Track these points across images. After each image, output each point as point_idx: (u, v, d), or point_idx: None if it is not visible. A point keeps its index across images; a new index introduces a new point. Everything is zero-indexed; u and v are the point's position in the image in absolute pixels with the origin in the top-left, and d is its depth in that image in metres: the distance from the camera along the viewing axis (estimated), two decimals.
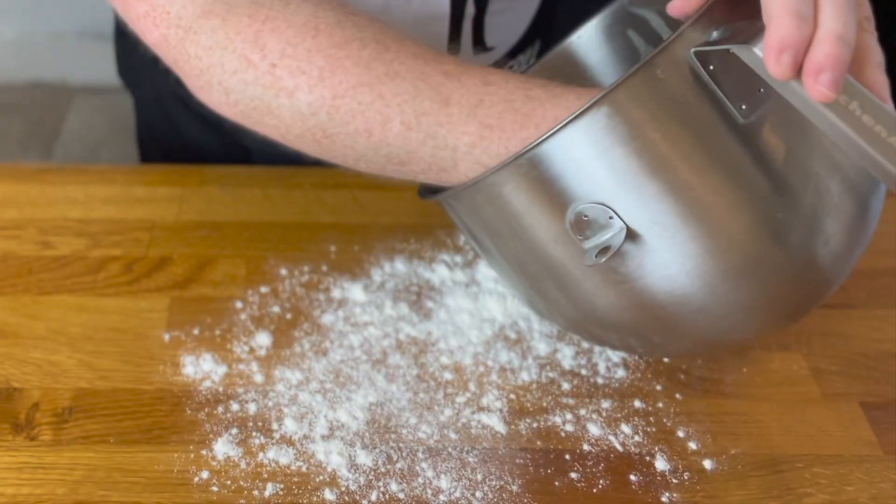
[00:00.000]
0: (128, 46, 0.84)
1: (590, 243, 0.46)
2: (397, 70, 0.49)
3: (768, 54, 0.41)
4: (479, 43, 0.71)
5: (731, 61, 0.43)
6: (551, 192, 0.46)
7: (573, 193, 0.46)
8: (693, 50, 0.44)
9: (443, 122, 0.48)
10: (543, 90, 0.48)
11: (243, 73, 0.50)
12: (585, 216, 0.46)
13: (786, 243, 0.46)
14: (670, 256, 0.46)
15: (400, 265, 0.68)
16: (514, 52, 0.74)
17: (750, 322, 0.50)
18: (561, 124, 0.44)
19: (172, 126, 0.83)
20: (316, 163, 0.76)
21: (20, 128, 1.94)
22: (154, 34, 0.53)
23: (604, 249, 0.45)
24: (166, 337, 0.62)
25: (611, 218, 0.45)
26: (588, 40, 0.64)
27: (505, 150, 0.47)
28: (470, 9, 0.68)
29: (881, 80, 0.44)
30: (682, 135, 0.45)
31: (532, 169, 0.46)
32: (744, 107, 0.44)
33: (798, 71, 0.41)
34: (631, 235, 0.45)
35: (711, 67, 0.44)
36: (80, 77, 1.99)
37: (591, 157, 0.45)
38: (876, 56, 0.44)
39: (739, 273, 0.47)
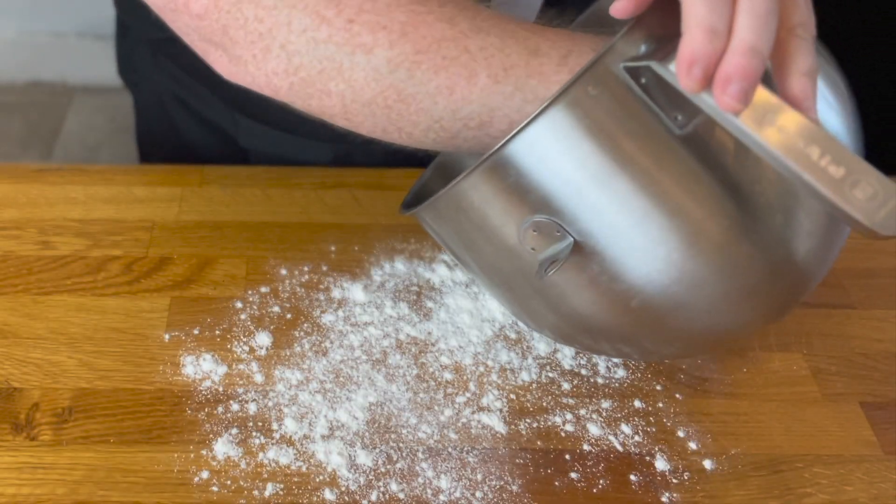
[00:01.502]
0: (128, 46, 0.84)
1: (541, 256, 0.46)
2: (481, 25, 0.47)
3: (680, 68, 0.41)
4: None
5: (658, 76, 0.43)
6: (512, 199, 0.46)
7: (532, 201, 0.46)
8: (622, 65, 0.44)
9: (533, 74, 0.46)
10: None
11: (315, 31, 0.47)
12: (535, 231, 0.46)
13: (756, 238, 0.46)
14: (637, 257, 0.46)
15: (400, 265, 0.68)
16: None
17: (731, 318, 0.50)
18: (507, 138, 0.44)
19: (172, 126, 0.83)
20: (315, 162, 0.76)
21: (20, 128, 1.94)
22: (200, 2, 0.50)
23: (552, 263, 0.45)
24: (166, 337, 0.62)
25: (558, 232, 0.45)
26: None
27: None
28: None
29: (804, 87, 0.43)
30: (626, 142, 0.44)
31: (491, 177, 0.46)
32: (679, 118, 0.44)
33: (709, 83, 0.41)
34: (581, 246, 0.46)
35: (643, 80, 0.43)
36: (80, 77, 1.99)
37: (542, 166, 0.45)
38: (803, 63, 0.43)
39: (711, 267, 0.46)
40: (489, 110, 0.47)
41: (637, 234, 0.45)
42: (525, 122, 0.44)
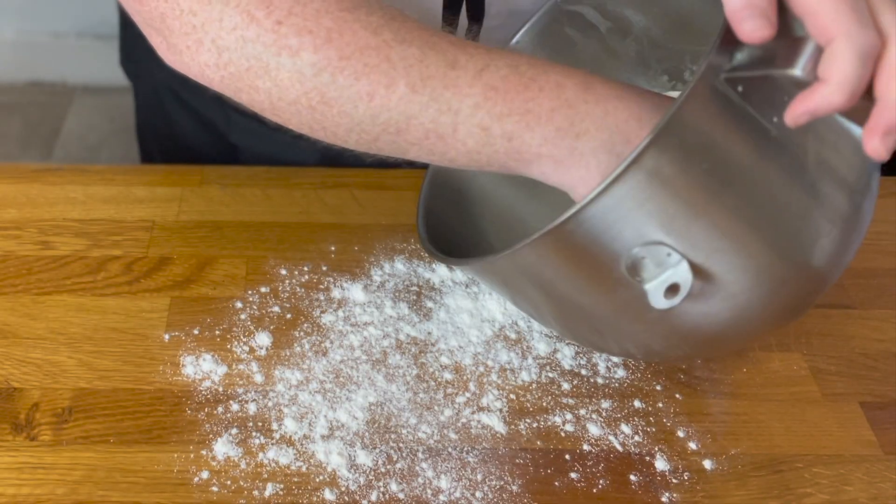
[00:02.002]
0: (130, 39, 0.84)
1: (654, 283, 0.45)
2: (405, 37, 0.48)
3: (871, 134, 0.42)
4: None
5: (761, 80, 0.44)
6: (594, 251, 0.46)
7: (628, 238, 0.45)
8: (724, 76, 0.44)
9: (448, 85, 0.48)
10: (542, 60, 0.49)
11: (244, 30, 0.49)
12: (644, 257, 0.45)
13: (778, 245, 0.47)
14: (733, 265, 0.46)
15: (400, 265, 0.68)
16: None
17: (747, 324, 0.50)
18: (599, 188, 0.43)
19: (168, 120, 0.84)
20: (304, 161, 0.76)
21: (20, 128, 1.94)
22: None
23: (671, 289, 0.45)
24: (166, 337, 0.62)
25: (668, 255, 0.45)
26: (526, 45, 0.64)
27: (508, 110, 0.47)
28: (463, 21, 0.67)
29: None
30: (729, 158, 0.45)
31: (573, 233, 0.45)
32: (775, 119, 0.44)
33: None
34: (698, 270, 0.45)
35: (740, 89, 0.44)
36: (80, 77, 1.99)
37: (643, 197, 0.44)
38: None
39: (747, 274, 0.47)
40: (406, 118, 0.49)
41: (739, 244, 0.45)
42: (622, 167, 0.43)
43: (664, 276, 0.45)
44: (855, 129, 0.46)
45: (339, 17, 0.48)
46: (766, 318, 0.49)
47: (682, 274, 0.44)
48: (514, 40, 0.64)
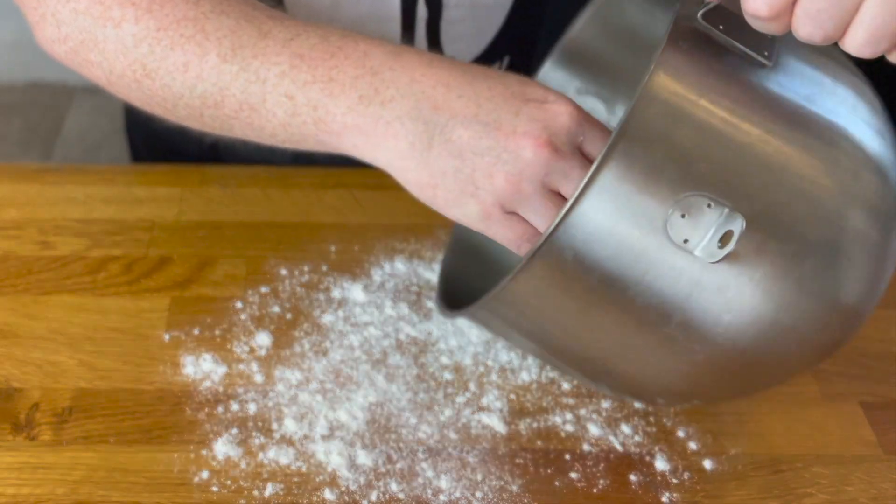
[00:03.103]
0: None
1: (701, 244, 0.42)
2: (224, 9, 0.49)
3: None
4: (435, 48, 0.70)
5: (737, 14, 0.43)
6: (636, 211, 0.42)
7: (659, 199, 0.42)
8: (700, 14, 0.44)
9: (257, 54, 0.48)
10: (361, 33, 0.49)
11: (76, 2, 0.51)
12: (683, 215, 0.41)
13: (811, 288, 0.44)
14: (773, 226, 0.43)
15: (400, 265, 0.68)
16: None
17: (782, 368, 0.48)
18: (588, 176, 0.41)
19: (150, 118, 0.83)
20: (313, 162, 0.76)
21: (20, 128, 1.93)
22: None
23: (724, 237, 0.41)
24: (166, 337, 0.62)
25: (709, 205, 0.41)
26: (584, 32, 0.63)
27: (311, 77, 0.47)
28: (422, 11, 0.67)
29: None
30: (730, 92, 0.43)
31: (613, 186, 0.42)
32: (766, 52, 0.44)
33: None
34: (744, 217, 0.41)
35: (721, 27, 0.44)
36: (80, 77, 1.98)
37: (656, 150, 0.42)
38: None
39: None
40: (220, 90, 0.49)
41: (775, 187, 0.43)
42: (606, 147, 0.41)
43: (710, 229, 0.41)
44: (884, 160, 0.45)
45: None
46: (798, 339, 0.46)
47: (733, 222, 0.41)
48: (572, 33, 0.63)
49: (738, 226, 0.41)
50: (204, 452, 0.56)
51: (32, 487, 0.54)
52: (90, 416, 0.57)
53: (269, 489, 0.54)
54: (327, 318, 0.64)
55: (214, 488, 0.54)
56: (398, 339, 0.63)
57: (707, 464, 0.56)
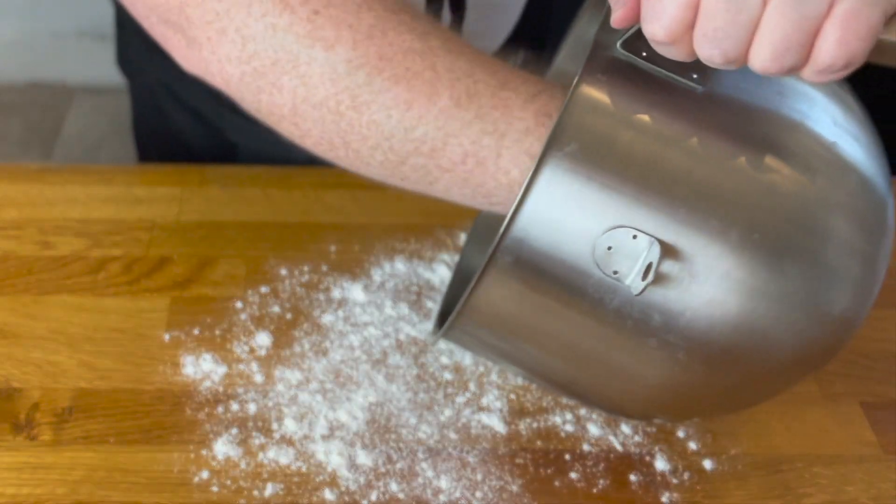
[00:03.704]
0: (125, 38, 0.84)
1: (628, 277, 0.41)
2: (452, 47, 0.44)
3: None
4: None
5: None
6: (561, 247, 0.42)
7: (585, 234, 0.41)
8: (619, 43, 0.42)
9: (498, 105, 0.44)
10: None
11: (275, 17, 0.44)
12: (609, 248, 0.41)
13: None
14: (709, 258, 0.41)
15: (400, 265, 0.68)
16: None
17: (772, 376, 0.46)
18: (521, 191, 0.40)
19: (164, 118, 0.83)
20: (310, 160, 0.76)
21: (20, 128, 1.93)
22: None
23: (647, 271, 0.41)
24: (166, 337, 0.62)
25: (635, 237, 0.41)
26: (590, 24, 0.62)
27: None
28: (446, 16, 0.66)
29: None
30: (656, 123, 0.41)
31: (520, 249, 0.42)
32: (695, 76, 0.42)
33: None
34: (666, 248, 0.41)
35: (644, 54, 0.42)
36: (80, 77, 1.99)
37: (580, 188, 0.41)
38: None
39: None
40: (444, 135, 0.44)
41: (705, 216, 0.41)
42: (539, 156, 0.40)
43: (637, 262, 0.41)
44: (862, 166, 0.44)
45: (383, 15, 0.44)
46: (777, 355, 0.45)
47: (653, 253, 0.41)
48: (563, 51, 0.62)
49: (656, 256, 0.41)
50: (204, 452, 0.56)
51: (32, 487, 0.54)
52: (90, 416, 0.57)
53: (269, 489, 0.54)
54: (327, 318, 0.64)
55: (214, 488, 0.54)
56: (398, 339, 0.63)
57: (707, 464, 0.56)
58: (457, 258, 0.68)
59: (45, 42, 1.97)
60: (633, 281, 0.41)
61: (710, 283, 0.41)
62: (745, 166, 0.42)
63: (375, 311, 0.65)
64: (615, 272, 0.41)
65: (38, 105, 1.98)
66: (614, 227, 0.41)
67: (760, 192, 0.42)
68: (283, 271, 0.67)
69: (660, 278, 0.41)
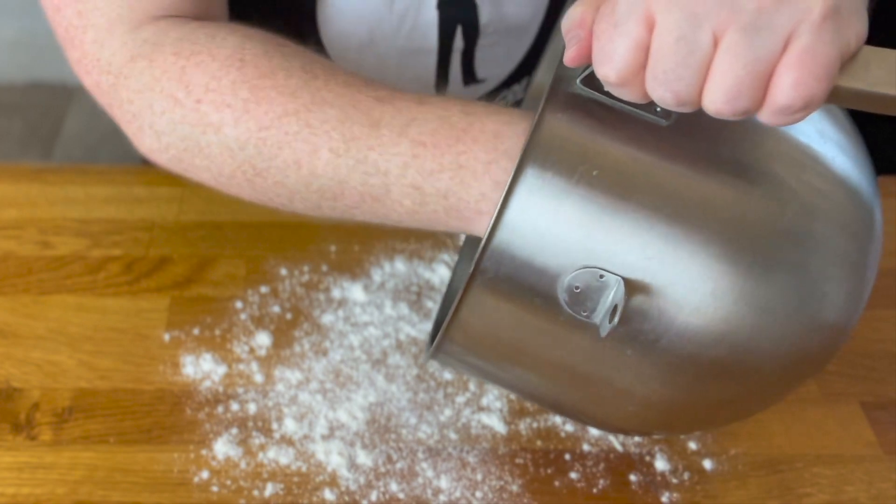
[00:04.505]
0: None
1: (597, 314, 0.41)
2: (325, 97, 0.47)
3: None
4: (468, 75, 0.69)
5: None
6: (530, 283, 0.42)
7: (553, 269, 0.41)
8: (579, 80, 0.42)
9: (373, 146, 0.45)
10: (483, 107, 0.45)
11: (171, 113, 0.49)
12: (576, 288, 0.41)
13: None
14: (689, 286, 0.41)
15: (400, 265, 0.68)
16: (508, 83, 0.72)
17: (763, 385, 0.45)
18: (494, 214, 0.41)
19: None
20: None
21: (20, 128, 1.94)
22: (87, 80, 0.53)
23: (613, 312, 0.40)
24: (166, 337, 0.62)
25: (601, 277, 0.41)
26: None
27: (439, 166, 0.44)
28: (458, 43, 0.67)
29: None
30: (619, 160, 0.41)
31: (496, 271, 0.42)
32: (658, 109, 0.42)
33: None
34: (633, 284, 0.41)
35: (606, 90, 0.41)
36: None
37: (547, 223, 0.41)
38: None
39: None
40: (338, 183, 0.47)
41: (677, 247, 0.41)
42: (504, 191, 0.40)
43: (606, 302, 0.41)
44: (847, 174, 0.44)
45: (255, 84, 0.47)
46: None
47: (618, 294, 0.40)
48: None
49: (620, 297, 0.40)
50: (204, 452, 0.56)
51: (32, 487, 0.54)
52: (90, 416, 0.57)
53: (269, 489, 0.54)
54: (327, 318, 0.64)
55: (214, 488, 0.54)
56: (398, 339, 0.63)
57: (707, 464, 0.56)
58: (457, 258, 0.68)
59: (45, 42, 1.96)
60: (601, 322, 0.41)
61: (691, 306, 0.41)
62: (717, 189, 0.41)
63: (375, 311, 0.65)
64: (584, 313, 0.41)
65: (38, 105, 1.98)
66: (580, 269, 0.41)
67: (734, 211, 0.41)
68: (283, 271, 0.67)
69: (632, 314, 0.41)
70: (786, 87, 0.35)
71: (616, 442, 0.57)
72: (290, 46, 0.50)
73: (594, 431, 0.58)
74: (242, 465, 0.55)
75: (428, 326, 0.63)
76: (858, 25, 0.36)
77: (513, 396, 0.60)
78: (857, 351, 0.64)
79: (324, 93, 0.47)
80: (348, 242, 0.70)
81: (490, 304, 0.43)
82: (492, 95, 0.72)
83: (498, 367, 0.47)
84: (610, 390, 0.45)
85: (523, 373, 0.47)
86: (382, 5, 0.63)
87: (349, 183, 0.46)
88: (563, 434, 0.58)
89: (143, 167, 0.80)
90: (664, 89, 0.37)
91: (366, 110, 0.46)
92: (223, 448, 0.56)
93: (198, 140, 0.48)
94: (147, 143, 0.51)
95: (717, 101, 0.36)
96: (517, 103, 0.75)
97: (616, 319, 0.40)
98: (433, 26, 0.65)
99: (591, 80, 0.41)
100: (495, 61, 0.70)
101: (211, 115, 0.48)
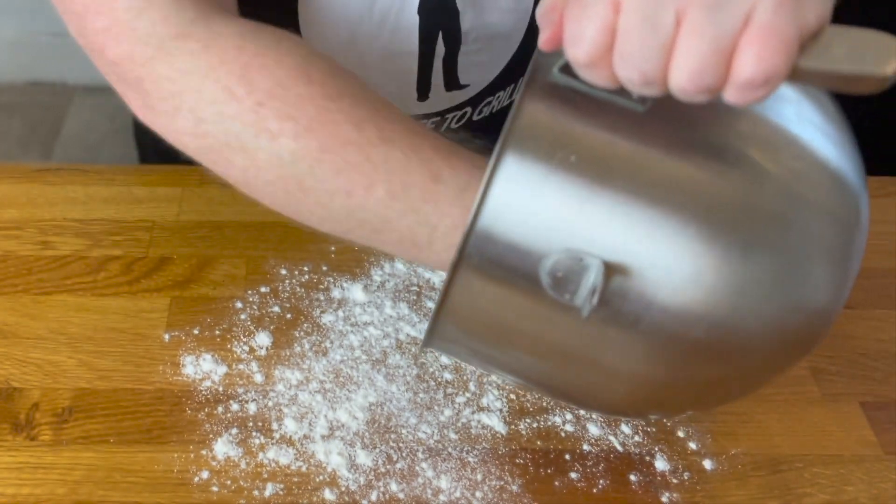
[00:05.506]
0: None
1: (579, 297, 0.42)
2: (389, 136, 0.47)
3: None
4: (451, 80, 0.70)
5: None
6: (514, 267, 0.43)
7: (538, 250, 0.42)
8: (557, 68, 0.43)
9: (429, 199, 0.46)
10: None
11: (223, 105, 0.48)
12: (558, 271, 0.42)
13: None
14: (668, 267, 0.42)
15: (400, 265, 0.68)
16: (492, 89, 0.73)
17: (748, 365, 0.46)
18: (477, 202, 0.42)
19: None
20: None
21: (20, 128, 1.94)
22: (115, 50, 0.50)
23: (592, 293, 0.41)
24: (166, 337, 0.62)
25: (582, 260, 0.41)
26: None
27: None
28: (440, 48, 0.67)
29: None
30: (596, 145, 0.42)
31: (480, 256, 0.43)
32: (635, 96, 0.42)
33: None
34: (613, 266, 0.42)
35: (577, 72, 0.42)
36: (80, 77, 1.99)
37: (528, 209, 0.42)
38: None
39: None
40: (382, 221, 0.47)
41: (655, 229, 0.42)
42: (487, 175, 0.41)
43: (587, 285, 0.41)
44: (828, 158, 0.44)
45: (322, 105, 0.47)
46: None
47: (598, 276, 0.41)
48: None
49: (599, 280, 0.41)
50: (204, 452, 0.56)
51: (32, 487, 0.54)
52: (90, 416, 0.57)
53: (269, 489, 0.54)
54: (327, 318, 0.64)
55: (214, 488, 0.54)
56: (398, 339, 0.63)
57: (707, 464, 0.56)
58: None
59: (45, 42, 1.97)
60: (583, 304, 0.42)
61: (670, 287, 0.42)
62: (693, 171, 0.42)
63: (375, 311, 0.65)
64: (566, 295, 0.42)
65: (38, 105, 1.98)
66: (561, 252, 0.42)
67: (710, 192, 0.42)
68: (283, 271, 0.67)
69: (612, 295, 0.42)
70: (747, 61, 0.36)
71: (616, 442, 0.57)
72: (351, 73, 0.50)
73: (594, 431, 0.58)
74: (242, 465, 0.55)
75: None
76: (820, 6, 0.37)
77: (513, 396, 0.60)
78: (857, 351, 0.64)
79: (388, 132, 0.47)
80: (348, 242, 0.70)
81: (477, 288, 0.44)
82: (476, 101, 0.72)
83: (491, 349, 0.48)
84: (598, 370, 0.46)
85: (516, 354, 0.48)
86: (363, 6, 0.63)
87: (394, 224, 0.47)
88: (563, 434, 0.58)
89: (143, 167, 0.80)
90: (630, 69, 0.38)
91: (426, 161, 0.47)
92: (223, 448, 0.56)
93: (246, 140, 0.48)
94: (180, 124, 0.49)
95: (682, 78, 0.37)
96: (505, 108, 0.75)
97: (595, 300, 0.41)
98: (414, 30, 0.65)
99: (569, 69, 0.42)
100: (479, 68, 0.70)
101: (270, 122, 0.47)
